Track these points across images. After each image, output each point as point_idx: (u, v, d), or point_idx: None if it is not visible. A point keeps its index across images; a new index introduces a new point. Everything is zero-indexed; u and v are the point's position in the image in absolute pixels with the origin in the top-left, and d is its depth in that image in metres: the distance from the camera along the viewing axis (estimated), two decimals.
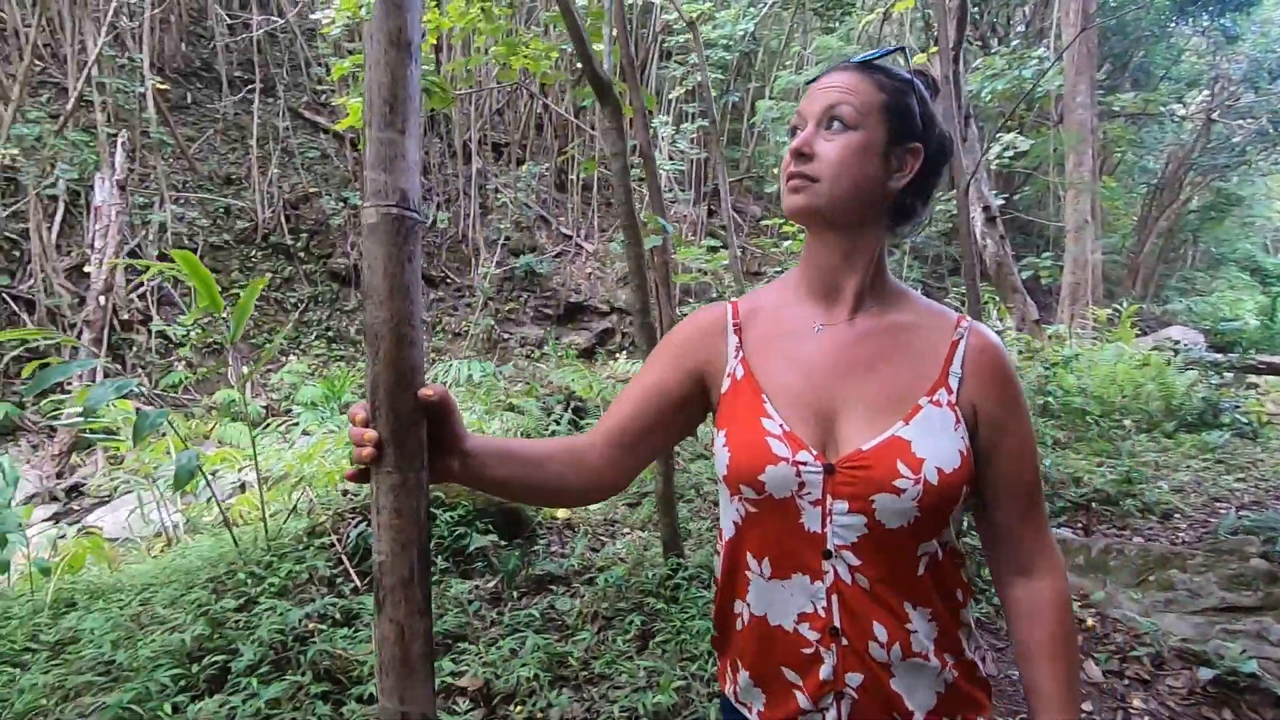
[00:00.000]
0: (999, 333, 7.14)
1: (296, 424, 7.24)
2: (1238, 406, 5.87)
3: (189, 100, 12.17)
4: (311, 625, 2.43)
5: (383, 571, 0.74)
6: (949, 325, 0.90)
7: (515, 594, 3.02)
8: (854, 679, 0.84)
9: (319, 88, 12.95)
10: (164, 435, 5.09)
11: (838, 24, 12.35)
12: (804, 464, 0.83)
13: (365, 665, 2.29)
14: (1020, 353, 6.62)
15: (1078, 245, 8.83)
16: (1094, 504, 4.17)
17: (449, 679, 2.37)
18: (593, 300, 13.38)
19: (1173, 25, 10.13)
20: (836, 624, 0.84)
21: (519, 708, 2.30)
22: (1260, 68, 9.09)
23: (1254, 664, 2.33)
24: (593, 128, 13.62)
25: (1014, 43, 10.45)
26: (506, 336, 12.64)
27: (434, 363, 12.17)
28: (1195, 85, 9.78)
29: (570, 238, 13.80)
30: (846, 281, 0.90)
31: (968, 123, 7.81)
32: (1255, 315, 12.14)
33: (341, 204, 12.01)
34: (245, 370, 7.34)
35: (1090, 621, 2.97)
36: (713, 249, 8.52)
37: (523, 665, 2.42)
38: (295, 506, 3.43)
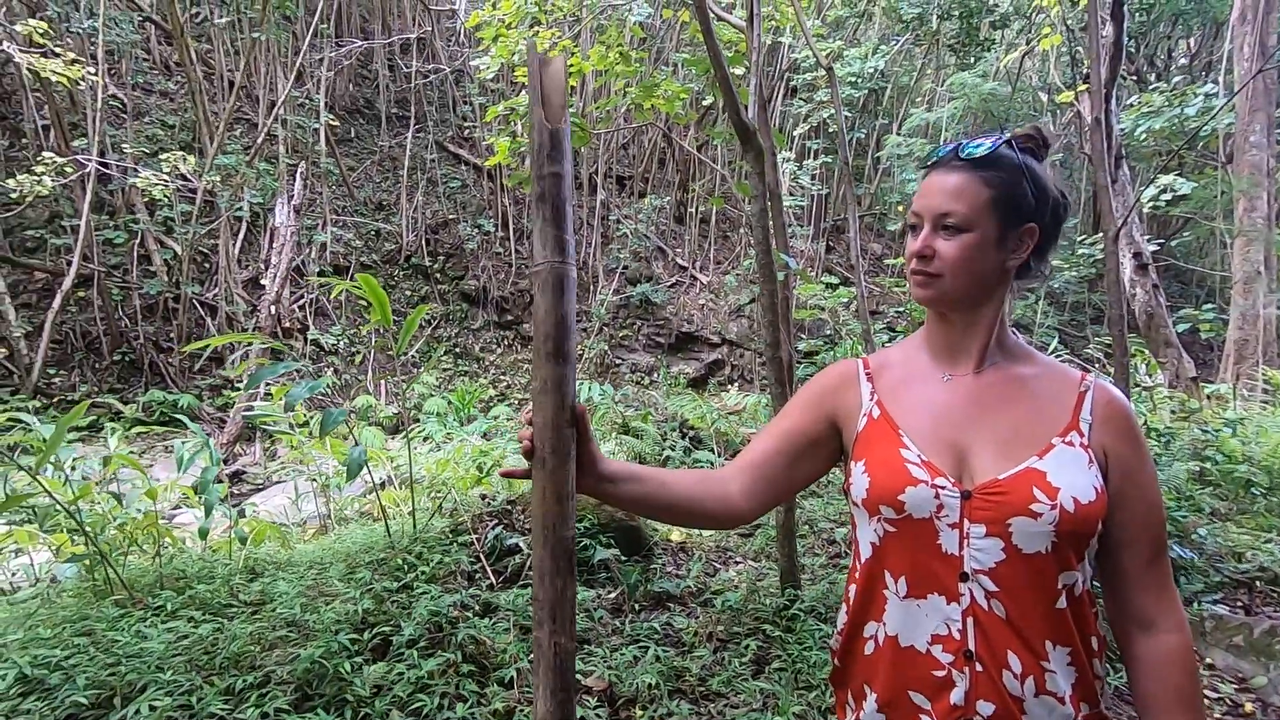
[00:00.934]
0: (1147, 389, 6.59)
1: (423, 431, 7.82)
2: None
3: (352, 134, 13.57)
4: (456, 613, 2.68)
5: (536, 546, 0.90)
6: (1073, 379, 0.98)
7: (636, 607, 3.16)
8: (985, 708, 0.86)
9: (464, 124, 14.07)
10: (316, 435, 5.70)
11: (974, 60, 12.02)
12: (942, 488, 0.90)
13: (505, 653, 2.50)
14: (1173, 412, 6.10)
15: (1247, 299, 8.05)
16: (1258, 582, 3.79)
17: (578, 677, 2.53)
18: (704, 331, 13.53)
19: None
20: (971, 648, 0.87)
21: (642, 712, 2.42)
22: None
23: None
24: (716, 164, 13.92)
25: (1176, 78, 9.76)
26: (618, 362, 13.01)
27: None
28: None
29: (685, 269, 14.07)
30: (971, 344, 1.00)
31: (1119, 164, 7.38)
32: None
33: (475, 230, 12.92)
34: (402, 383, 8.01)
35: (1249, 707, 2.73)
36: (829, 285, 8.46)
37: (645, 674, 2.55)
38: (440, 506, 3.75)
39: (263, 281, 9.79)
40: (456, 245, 12.97)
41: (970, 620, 0.88)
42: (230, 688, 2.05)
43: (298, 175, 9.23)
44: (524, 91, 5.65)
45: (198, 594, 2.68)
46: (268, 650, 2.26)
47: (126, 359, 9.10)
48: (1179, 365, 7.27)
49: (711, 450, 5.53)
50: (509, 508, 3.67)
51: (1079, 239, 11.18)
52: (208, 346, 8.66)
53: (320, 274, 11.37)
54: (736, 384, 11.82)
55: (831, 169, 13.09)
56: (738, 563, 4.03)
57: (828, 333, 10.73)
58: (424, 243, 12.69)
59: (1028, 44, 9.38)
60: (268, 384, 8.74)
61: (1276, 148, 8.49)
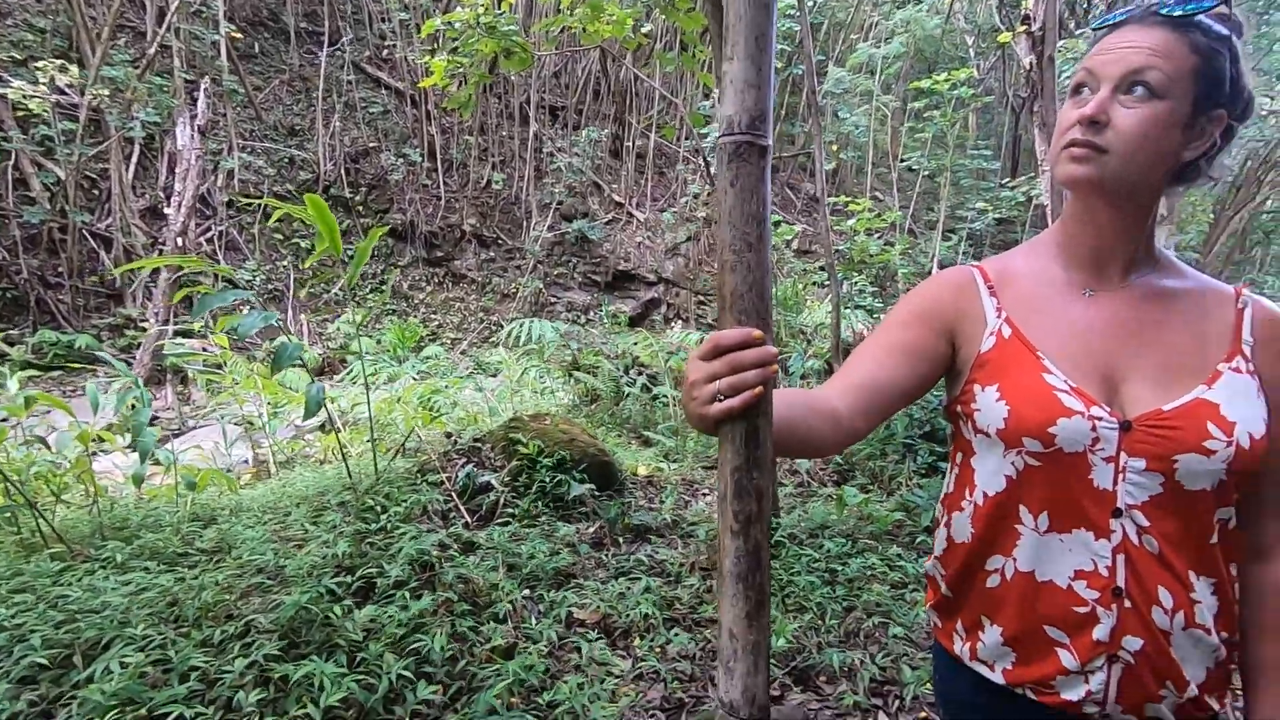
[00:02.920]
0: None
1: (352, 374, 7.43)
2: None
3: (257, 50, 12.31)
4: (438, 553, 2.57)
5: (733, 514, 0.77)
6: (1229, 294, 0.89)
7: (618, 541, 3.14)
8: (1132, 643, 0.83)
9: (383, 44, 13.01)
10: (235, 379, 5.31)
11: None
12: (1099, 419, 0.82)
13: (497, 589, 2.43)
14: None
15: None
16: None
17: (572, 609, 2.49)
18: (641, 269, 13.39)
19: (1266, 14, 9.69)
20: (1120, 584, 0.83)
21: (640, 641, 2.42)
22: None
23: None
24: (654, 96, 13.50)
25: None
26: (554, 300, 12.76)
27: (482, 322, 12.38)
28: None
29: (622, 206, 13.78)
30: (1119, 248, 0.88)
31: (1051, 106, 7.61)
32: None
33: (400, 160, 12.14)
34: (327, 322, 7.53)
35: None
36: (775, 223, 8.45)
37: (639, 604, 2.54)
38: (403, 446, 3.57)
39: (165, 210, 8.90)
40: (380, 176, 12.17)
41: (1121, 557, 0.83)
42: (208, 639, 1.89)
43: (200, 93, 8.30)
44: (459, 6, 5.19)
45: (146, 544, 2.45)
46: (243, 598, 2.10)
47: (8, 295, 8.16)
48: None
49: (670, 387, 5.51)
50: (477, 445, 3.54)
51: (1003, 182, 11.61)
52: (139, 269, 7.83)
53: (229, 204, 10.45)
54: (678, 323, 11.82)
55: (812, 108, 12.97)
56: (705, 494, 4.07)
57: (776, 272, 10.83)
58: (344, 172, 11.83)
59: None
60: (178, 322, 8.06)
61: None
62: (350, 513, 2.84)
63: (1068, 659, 0.85)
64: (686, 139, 13.12)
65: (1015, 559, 0.89)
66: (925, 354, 0.94)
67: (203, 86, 8.34)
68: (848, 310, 8.83)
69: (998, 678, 0.92)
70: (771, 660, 2.30)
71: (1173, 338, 0.86)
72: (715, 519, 3.39)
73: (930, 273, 11.56)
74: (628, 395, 5.31)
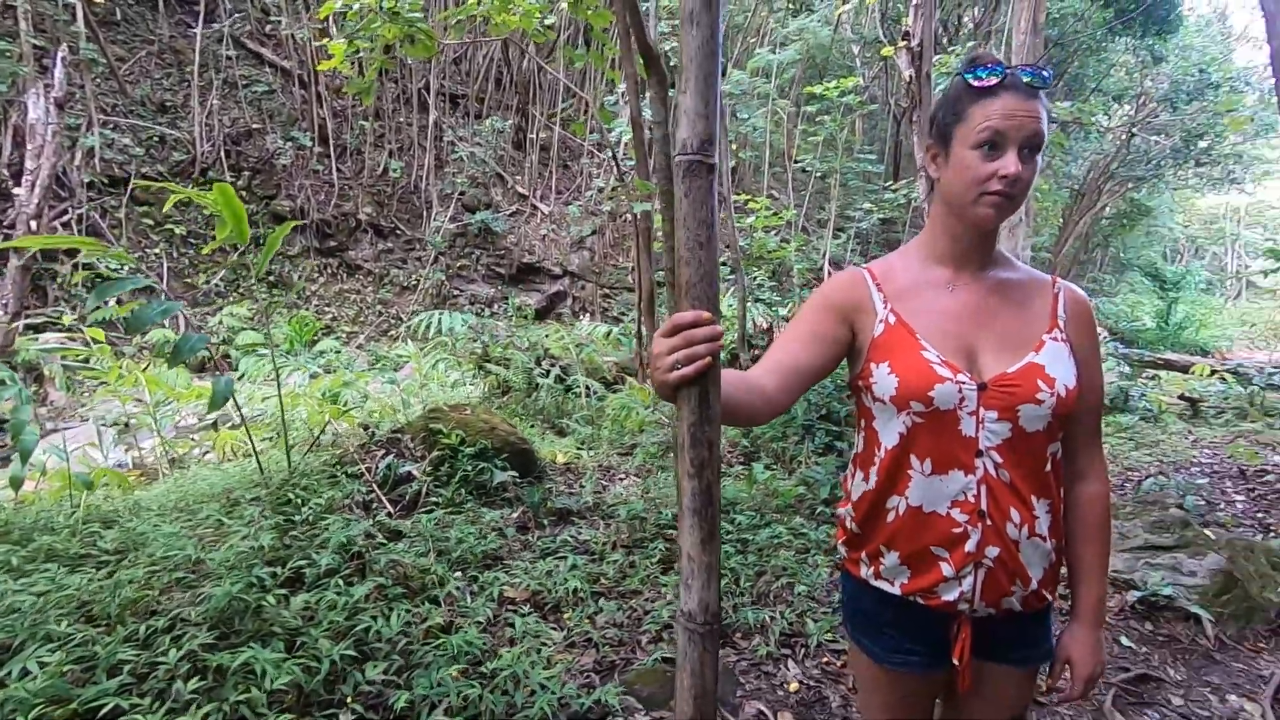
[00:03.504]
0: None
1: (240, 370, 7.03)
2: (1144, 395, 6.68)
3: (119, 17, 11.27)
4: (366, 541, 2.59)
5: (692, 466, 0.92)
6: (1047, 281, 1.16)
7: (542, 524, 3.24)
8: (992, 551, 1.06)
9: (267, 19, 12.23)
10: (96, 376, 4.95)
11: (807, 6, 12.64)
12: (963, 383, 1.05)
13: (428, 574, 2.48)
14: None
15: (1011, 241, 9.54)
16: None
17: (504, 588, 2.58)
18: (546, 262, 13.38)
19: (1107, 42, 11.01)
20: (983, 508, 1.05)
21: (570, 613, 2.55)
22: (1179, 89, 10.05)
23: (1170, 588, 2.86)
24: (557, 88, 13.48)
25: (969, 43, 11.06)
26: (457, 293, 12.52)
27: (380, 315, 11.97)
28: (1121, 99, 10.70)
29: (526, 198, 13.70)
30: (979, 253, 1.13)
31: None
32: (1152, 318, 13.54)
33: (288, 143, 11.49)
34: (207, 315, 7.06)
35: None
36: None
37: (567, 580, 2.67)
38: (318, 439, 3.50)
39: (14, 191, 8.02)
40: (264, 160, 11.47)
41: (983, 487, 1.06)
42: (133, 634, 1.84)
43: (56, 62, 7.53)
44: None
45: (42, 546, 2.32)
46: (164, 594, 2.04)
47: None
48: None
49: (583, 377, 5.64)
50: (396, 437, 3.52)
51: (886, 185, 12.46)
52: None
53: (90, 185, 9.53)
54: (585, 316, 11.92)
55: (674, 101, 13.25)
56: (622, 479, 4.24)
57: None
58: (223, 154, 11.06)
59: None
60: (29, 315, 7.33)
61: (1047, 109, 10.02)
62: (266, 506, 2.78)
63: (947, 569, 1.08)
64: (591, 133, 13.21)
65: (907, 497, 1.11)
66: (833, 340, 1.16)
67: (58, 55, 7.58)
68: (750, 303, 9.26)
69: (896, 590, 1.14)
70: None
71: (1010, 317, 1.12)
72: (632, 501, 3.57)
73: (822, 268, 12.28)
74: (541, 387, 5.38)
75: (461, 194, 12.82)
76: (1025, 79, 1.02)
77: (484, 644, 2.12)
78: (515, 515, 3.29)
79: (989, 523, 1.06)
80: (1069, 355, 1.10)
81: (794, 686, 2.23)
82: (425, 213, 12.68)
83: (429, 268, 12.21)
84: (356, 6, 4.98)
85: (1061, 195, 12.53)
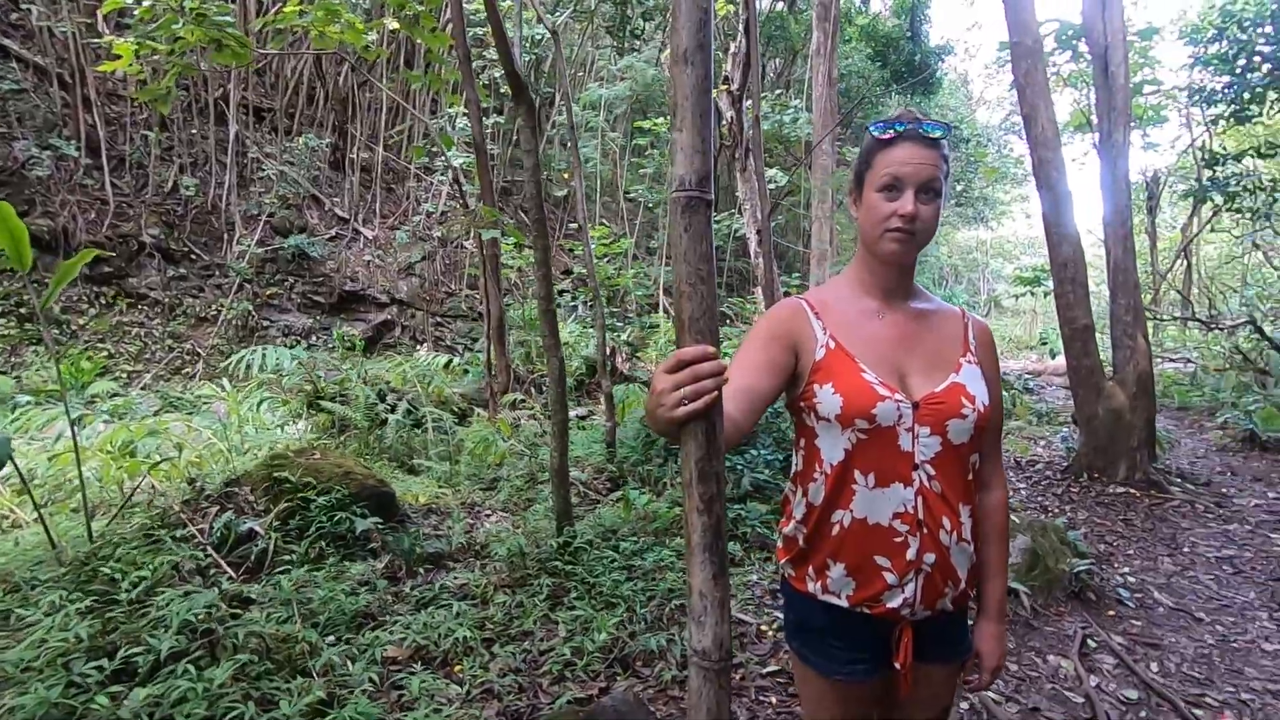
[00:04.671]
0: None
1: (69, 413, 5.77)
2: None
3: None
4: (212, 615, 2.23)
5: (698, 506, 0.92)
6: (957, 312, 1.31)
7: (416, 571, 3.00)
8: (929, 558, 1.15)
9: (16, 8, 10.37)
10: None
11: (623, 44, 13.21)
12: (900, 401, 1.15)
13: (296, 644, 2.19)
14: None
15: (820, 269, 10.62)
16: None
17: (385, 648, 2.35)
18: (371, 290, 12.56)
19: (884, 98, 12.77)
20: (921, 517, 1.15)
21: (461, 666, 2.38)
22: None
23: None
24: (373, 106, 12.82)
25: (778, 91, 12.23)
26: (267, 323, 11.33)
27: (172, 350, 10.46)
28: None
29: (346, 221, 12.80)
30: (900, 286, 1.26)
31: (747, 155, 9.00)
32: None
33: (45, 152, 9.76)
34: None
35: None
36: (518, 245, 8.63)
37: (453, 630, 2.49)
38: (128, 500, 2.95)
39: None
40: (12, 170, 9.64)
41: (920, 498, 1.16)
42: None
43: None
44: None
45: None
46: None
47: None
48: None
49: (440, 410, 5.33)
50: (231, 490, 3.09)
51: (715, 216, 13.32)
52: None
53: None
54: (422, 346, 11.33)
55: (501, 129, 13.17)
56: (489, 515, 4.06)
57: (517, 289, 10.94)
58: None
59: None
60: None
61: (837, 155, 11.28)
62: (69, 588, 2.30)
63: (890, 577, 1.16)
64: (413, 158, 12.68)
65: (852, 510, 1.19)
66: (781, 366, 1.23)
67: None
68: (592, 329, 9.38)
69: (843, 603, 1.21)
70: (595, 653, 2.45)
71: (932, 343, 1.26)
72: (505, 539, 3.43)
73: (654, 295, 12.77)
74: (388, 423, 5.01)
75: (270, 215, 11.68)
76: (923, 131, 1.17)
77: (380, 713, 1.91)
78: (383, 566, 3.01)
79: (925, 531, 1.16)
80: (981, 376, 1.25)
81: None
82: (227, 235, 11.38)
83: (232, 296, 10.95)
84: (149, 3, 4.42)
85: (855, 228, 14.28)
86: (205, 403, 6.91)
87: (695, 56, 0.91)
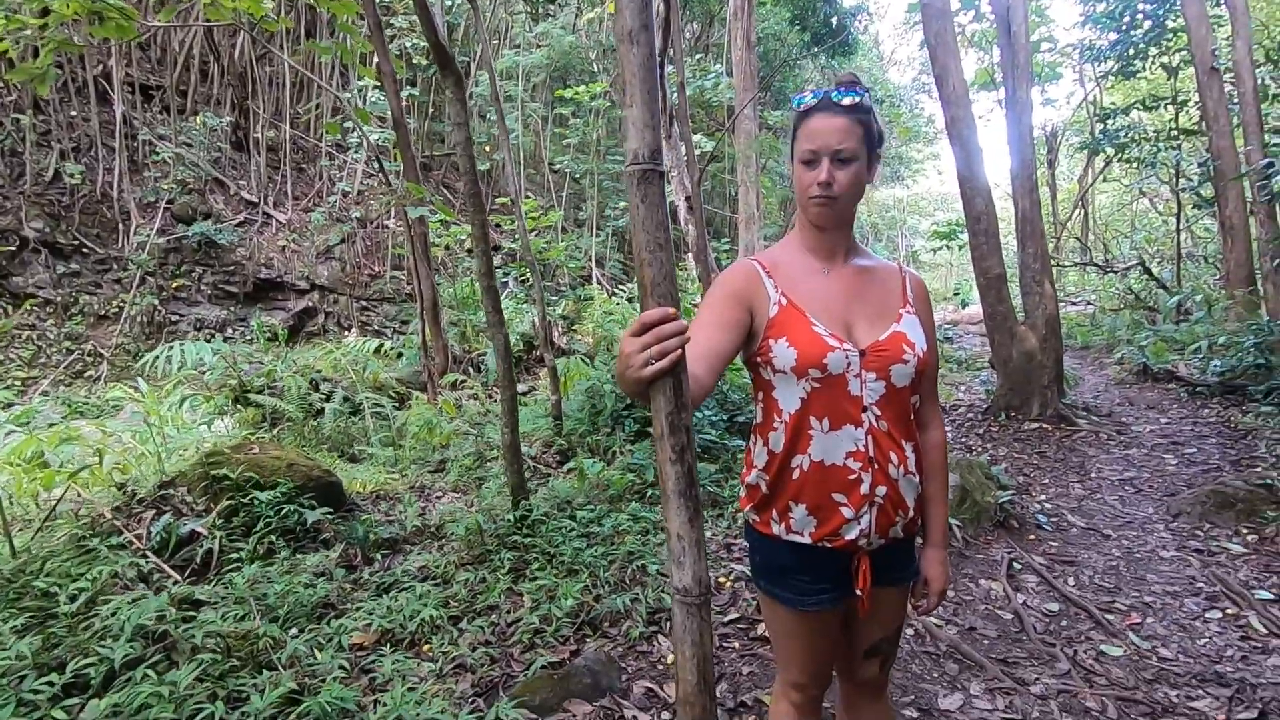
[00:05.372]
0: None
1: None
2: None
3: None
4: (164, 618, 2.15)
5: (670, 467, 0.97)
6: (895, 267, 1.40)
7: (373, 558, 2.97)
8: (881, 491, 1.25)
9: None
10: None
11: (539, 10, 12.88)
12: (849, 350, 1.25)
13: (259, 640, 2.15)
14: None
15: (748, 233, 10.80)
16: None
17: (351, 635, 2.34)
18: (288, 276, 12.00)
19: (802, 61, 12.95)
20: (871, 454, 1.25)
21: (431, 644, 2.39)
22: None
23: None
24: (278, 81, 12.10)
25: (698, 56, 12.20)
26: (176, 318, 10.72)
27: (70, 353, 9.75)
28: None
29: (255, 205, 12.11)
30: (838, 242, 1.34)
31: (671, 122, 8.99)
32: None
33: None
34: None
35: None
36: (443, 222, 8.41)
37: (419, 609, 2.49)
38: (54, 509, 2.78)
39: None
40: None
41: (870, 438, 1.26)
42: None
43: None
44: None
45: None
46: None
47: None
48: None
49: (372, 396, 5.19)
50: (167, 492, 2.95)
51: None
52: None
53: None
54: (351, 331, 10.93)
55: (417, 101, 12.68)
56: (440, 497, 4.03)
57: (445, 266, 10.66)
58: None
59: (599, 7, 10.51)
60: None
61: (759, 119, 11.41)
62: (1, 606, 2.17)
63: (848, 511, 1.26)
64: (327, 134, 12.06)
65: (810, 454, 1.28)
66: (740, 324, 1.30)
67: None
68: (530, 304, 9.26)
69: (807, 540, 1.30)
70: (564, 619, 2.50)
71: (874, 296, 1.35)
72: (460, 518, 3.42)
73: (586, 267, 12.70)
74: (324, 413, 4.86)
75: (170, 202, 10.95)
76: (834, 99, 1.25)
77: (355, 696, 1.91)
78: (337, 555, 2.96)
79: (876, 467, 1.26)
80: (919, 325, 1.35)
81: (670, 659, 2.36)
82: (122, 226, 10.62)
83: (134, 291, 10.28)
84: None
85: (781, 191, 14.48)
86: (116, 406, 6.49)
87: (640, 36, 0.95)
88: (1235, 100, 8.25)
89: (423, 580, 2.82)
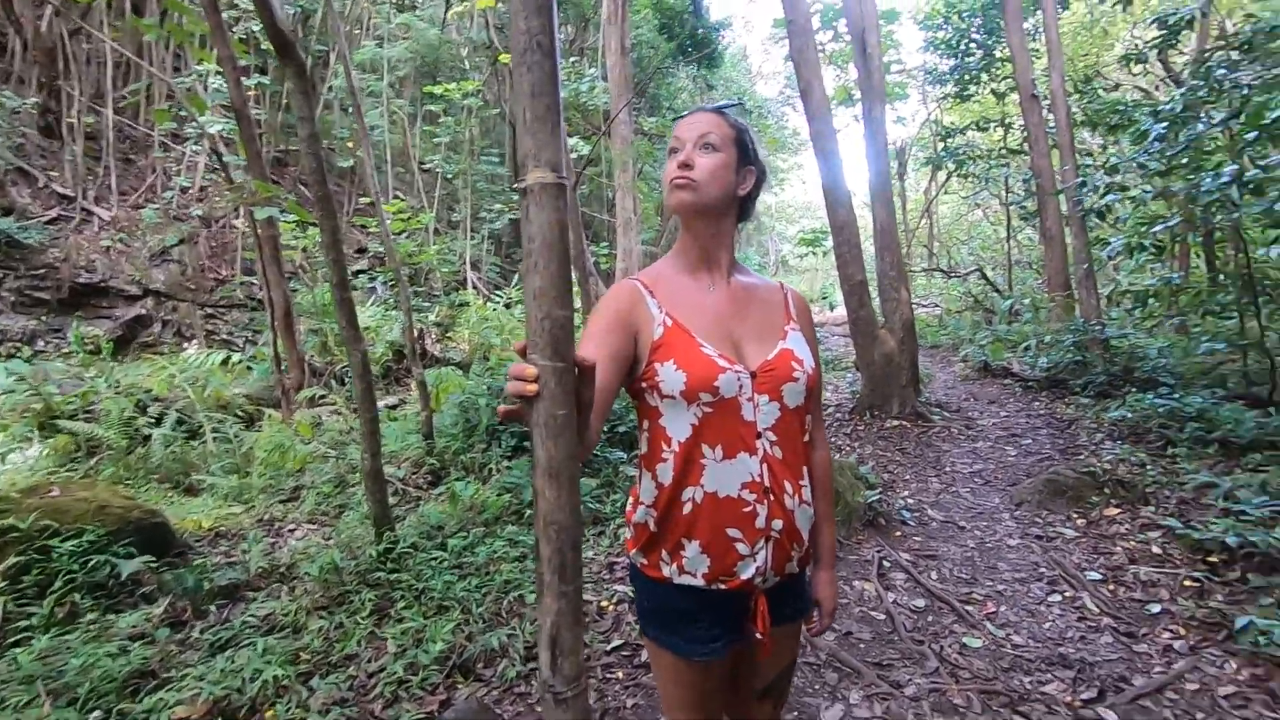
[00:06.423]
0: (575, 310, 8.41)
1: None
2: None
3: None
4: None
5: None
6: (776, 285, 1.37)
7: (206, 610, 2.59)
8: (777, 524, 1.18)
9: None
10: None
11: (411, 4, 12.27)
12: (740, 372, 1.18)
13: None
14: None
15: (627, 237, 10.83)
16: None
17: (173, 711, 2.00)
18: (115, 281, 10.63)
19: (673, 69, 13.18)
20: (767, 484, 1.18)
21: (274, 710, 2.10)
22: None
23: None
24: (103, 61, 10.71)
25: (573, 59, 12.07)
26: None
27: None
28: None
29: (72, 200, 10.64)
30: (720, 256, 1.27)
31: None
32: None
33: None
34: None
35: None
36: (301, 224, 7.77)
37: (261, 668, 2.19)
38: None
39: None
40: None
41: (765, 466, 1.18)
42: None
43: None
44: None
45: None
46: None
47: None
48: (596, 290, 9.41)
49: (212, 417, 4.61)
50: None
51: (513, 187, 12.95)
52: None
53: None
54: (193, 343, 9.83)
55: (267, 91, 11.66)
56: (293, 530, 3.64)
57: (299, 273, 9.82)
58: None
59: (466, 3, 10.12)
60: None
61: (634, 124, 11.46)
62: None
63: (743, 548, 1.18)
64: (158, 123, 10.79)
65: (703, 485, 1.19)
66: (626, 355, 1.19)
67: None
68: (400, 312, 8.71)
69: (699, 582, 1.21)
70: (432, 665, 2.29)
71: (759, 314, 1.29)
72: (316, 555, 3.09)
73: (461, 271, 12.22)
74: (151, 438, 4.27)
75: None
76: (705, 108, 1.26)
77: None
78: (161, 611, 2.55)
79: (772, 498, 1.19)
80: (804, 340, 1.30)
81: None
82: None
83: None
84: None
85: (658, 197, 14.72)
86: None
87: (542, 40, 0.88)
88: (1052, 125, 9.27)
89: (268, 632, 2.49)
